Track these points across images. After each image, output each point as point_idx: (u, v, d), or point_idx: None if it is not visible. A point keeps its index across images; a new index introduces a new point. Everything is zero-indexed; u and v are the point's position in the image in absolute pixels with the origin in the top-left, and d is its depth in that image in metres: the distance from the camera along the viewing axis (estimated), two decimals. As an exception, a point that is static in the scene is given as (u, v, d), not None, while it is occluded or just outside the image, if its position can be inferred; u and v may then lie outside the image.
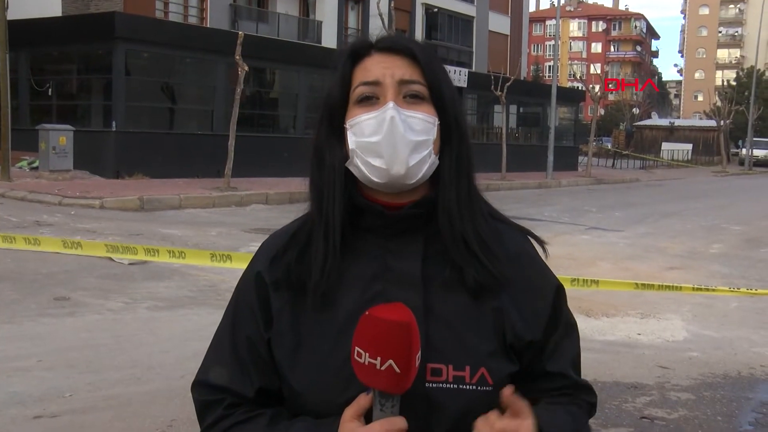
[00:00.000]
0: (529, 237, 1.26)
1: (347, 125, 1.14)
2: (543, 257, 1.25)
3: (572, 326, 1.24)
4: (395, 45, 1.16)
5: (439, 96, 1.15)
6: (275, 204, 14.79)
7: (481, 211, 1.19)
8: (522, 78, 36.20)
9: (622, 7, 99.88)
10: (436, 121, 1.13)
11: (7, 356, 4.77)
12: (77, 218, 11.24)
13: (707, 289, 5.23)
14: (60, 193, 13.20)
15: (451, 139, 1.16)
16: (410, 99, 1.13)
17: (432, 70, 1.15)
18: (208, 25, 23.26)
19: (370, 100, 1.13)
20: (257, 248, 1.27)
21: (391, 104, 1.10)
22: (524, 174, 25.39)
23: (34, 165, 16.67)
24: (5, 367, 4.56)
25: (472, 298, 1.14)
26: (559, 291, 1.22)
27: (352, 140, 1.13)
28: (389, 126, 1.09)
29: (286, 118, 22.67)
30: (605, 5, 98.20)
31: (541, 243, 1.27)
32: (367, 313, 1.00)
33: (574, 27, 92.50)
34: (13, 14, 15.93)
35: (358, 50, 1.17)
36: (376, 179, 1.12)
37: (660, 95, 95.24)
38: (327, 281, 1.13)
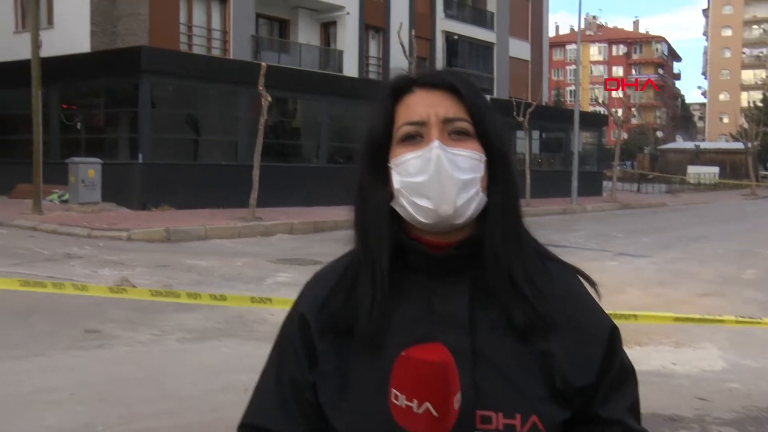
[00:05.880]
0: (579, 276, 1.21)
1: (391, 164, 1.12)
2: (595, 297, 1.20)
3: (629, 371, 1.18)
4: (437, 80, 1.13)
5: (484, 131, 1.12)
6: (300, 234, 14.85)
7: (529, 250, 1.16)
8: (543, 103, 36.19)
9: (642, 30, 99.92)
10: (483, 158, 1.11)
11: (40, 389, 4.79)
12: (106, 250, 11.37)
13: (753, 322, 4.97)
14: (89, 225, 13.37)
15: (498, 175, 1.13)
16: (455, 136, 1.10)
17: (476, 106, 1.12)
18: (231, 57, 23.59)
19: (414, 139, 1.10)
20: (302, 288, 1.24)
21: (436, 143, 1.08)
22: (548, 200, 25.26)
23: (64, 198, 16.92)
24: (38, 399, 4.58)
25: (521, 340, 1.10)
26: (613, 333, 1.16)
27: (396, 180, 1.11)
28: (435, 165, 1.07)
29: (309, 148, 22.84)
30: (625, 29, 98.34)
31: (592, 282, 1.21)
32: (403, 353, 0.97)
33: (595, 51, 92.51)
34: (44, 52, 16.31)
35: (399, 86, 1.15)
36: (423, 219, 1.09)
37: (684, 118, 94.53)
38: (374, 325, 1.10)
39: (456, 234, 1.11)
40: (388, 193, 1.13)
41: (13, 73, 19.34)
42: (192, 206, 17.08)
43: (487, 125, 1.13)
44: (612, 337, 1.16)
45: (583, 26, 30.67)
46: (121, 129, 19.63)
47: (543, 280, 1.13)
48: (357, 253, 1.16)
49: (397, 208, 1.12)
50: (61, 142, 19.73)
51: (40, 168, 15.36)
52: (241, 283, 8.92)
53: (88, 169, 16.11)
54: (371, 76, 28.81)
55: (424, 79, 1.14)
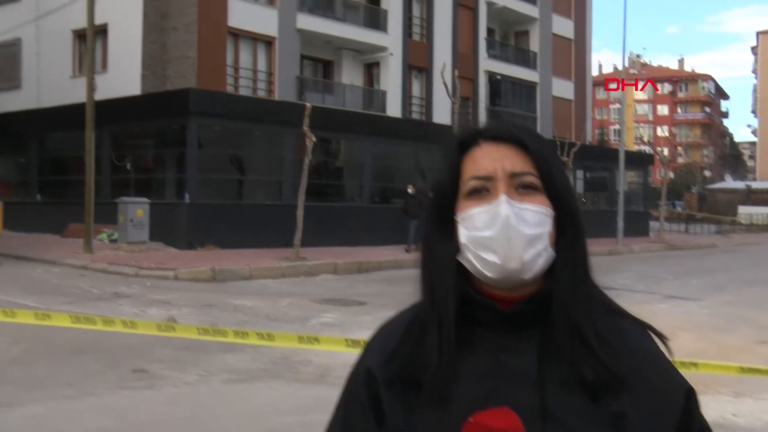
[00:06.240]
0: (651, 332, 1.18)
1: (458, 218, 1.12)
2: (667, 354, 1.17)
3: None
4: (503, 134, 1.13)
5: (552, 186, 1.11)
6: (344, 274, 14.87)
7: (599, 305, 1.14)
8: (587, 142, 35.94)
9: (687, 68, 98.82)
10: (551, 213, 1.10)
11: (91, 429, 4.84)
12: (153, 289, 11.53)
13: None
14: (137, 264, 13.61)
15: (566, 229, 1.12)
16: (522, 190, 1.10)
17: (543, 160, 1.12)
18: (276, 98, 24.05)
19: (480, 193, 1.11)
20: (368, 340, 1.23)
21: (503, 197, 1.08)
22: (593, 240, 24.80)
23: (114, 237, 17.29)
24: (88, 442, 4.61)
25: (591, 399, 1.07)
26: (690, 395, 1.13)
27: (463, 234, 1.11)
28: (502, 220, 1.07)
29: (352, 188, 22.99)
30: (670, 67, 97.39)
31: (663, 339, 1.18)
32: (471, 419, 0.97)
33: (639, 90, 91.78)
34: (98, 95, 16.86)
35: (465, 140, 1.16)
36: (489, 274, 1.09)
37: (732, 157, 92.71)
38: (441, 378, 1.10)
39: (523, 289, 1.10)
40: (455, 246, 1.12)
41: (69, 116, 20.00)
42: (237, 246, 17.27)
43: (554, 179, 1.12)
44: (689, 399, 1.12)
45: (626, 65, 30.48)
46: (169, 169, 20.06)
47: (613, 336, 1.11)
48: (423, 305, 1.16)
49: (464, 262, 1.11)
50: (111, 182, 20.24)
51: (91, 208, 15.77)
52: (286, 324, 8.94)
53: (137, 209, 16.46)
54: (414, 116, 29.04)
55: (490, 132, 1.14)
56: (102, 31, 22.26)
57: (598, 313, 1.12)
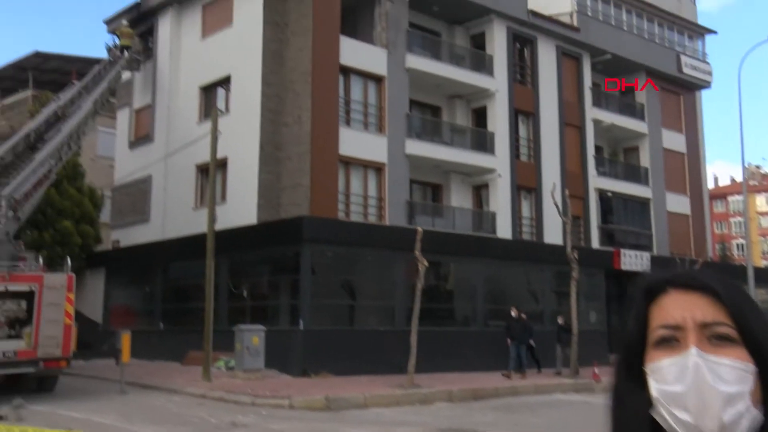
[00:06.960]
0: None
1: (647, 370, 1.06)
2: None
3: None
4: (693, 282, 1.08)
5: (751, 338, 1.02)
6: (459, 401, 14.31)
7: None
8: (709, 259, 34.14)
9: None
10: (752, 368, 1.00)
11: None
12: (269, 419, 11.42)
13: None
14: (252, 393, 13.62)
15: None
16: (716, 341, 1.02)
17: (739, 310, 1.04)
18: (386, 223, 24.37)
19: (669, 343, 1.05)
20: None
21: (694, 350, 1.01)
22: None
23: (231, 365, 17.51)
24: None
25: None
26: None
27: (654, 387, 1.04)
28: (693, 374, 0.99)
29: (464, 311, 22.58)
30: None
31: None
32: None
33: (762, 201, 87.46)
34: (217, 225, 17.65)
35: (653, 288, 1.11)
36: None
37: None
38: None
39: None
40: (647, 399, 1.05)
41: (191, 246, 21.02)
42: (351, 372, 17.07)
43: (753, 330, 1.03)
44: None
45: (745, 176, 29.13)
46: (283, 296, 20.43)
47: None
48: None
49: (657, 418, 1.04)
50: (228, 309, 20.78)
51: (210, 335, 16.13)
52: (404, 459, 8.52)
53: (253, 336, 16.70)
54: (525, 236, 28.64)
55: (678, 280, 1.10)
56: (222, 164, 23.66)
57: None
